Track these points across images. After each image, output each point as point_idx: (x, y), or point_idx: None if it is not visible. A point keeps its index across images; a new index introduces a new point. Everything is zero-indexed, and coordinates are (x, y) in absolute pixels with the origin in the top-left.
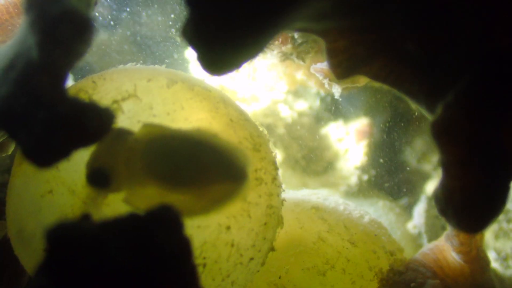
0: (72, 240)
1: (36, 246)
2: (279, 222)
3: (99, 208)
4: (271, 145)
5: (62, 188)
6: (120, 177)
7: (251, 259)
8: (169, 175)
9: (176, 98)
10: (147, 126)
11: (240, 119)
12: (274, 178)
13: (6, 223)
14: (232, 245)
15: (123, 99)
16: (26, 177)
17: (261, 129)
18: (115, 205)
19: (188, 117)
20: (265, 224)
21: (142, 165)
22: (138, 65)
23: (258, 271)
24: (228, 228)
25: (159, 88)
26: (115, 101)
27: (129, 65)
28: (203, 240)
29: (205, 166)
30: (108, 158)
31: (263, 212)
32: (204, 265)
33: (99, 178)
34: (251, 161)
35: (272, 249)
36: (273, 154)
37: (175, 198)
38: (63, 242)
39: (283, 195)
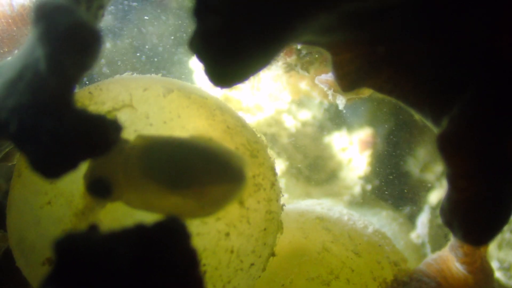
0: (80, 250)
1: (37, 257)
2: (279, 227)
3: (97, 217)
4: (269, 151)
5: (61, 199)
6: (120, 186)
7: (252, 265)
8: (167, 180)
9: (173, 107)
10: (141, 135)
11: (237, 125)
12: (273, 184)
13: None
14: (232, 252)
15: (119, 109)
16: (25, 188)
17: (258, 135)
18: (115, 213)
19: (185, 125)
20: (265, 229)
21: (140, 172)
22: (135, 74)
23: (259, 276)
24: (228, 234)
25: (156, 97)
26: (109, 111)
27: (125, 74)
28: (203, 247)
29: (202, 168)
30: (106, 168)
31: (262, 217)
32: (205, 272)
33: (100, 188)
34: (248, 162)
35: (272, 254)
36: (272, 160)
37: (175, 202)
38: (71, 252)
39: (288, 205)
